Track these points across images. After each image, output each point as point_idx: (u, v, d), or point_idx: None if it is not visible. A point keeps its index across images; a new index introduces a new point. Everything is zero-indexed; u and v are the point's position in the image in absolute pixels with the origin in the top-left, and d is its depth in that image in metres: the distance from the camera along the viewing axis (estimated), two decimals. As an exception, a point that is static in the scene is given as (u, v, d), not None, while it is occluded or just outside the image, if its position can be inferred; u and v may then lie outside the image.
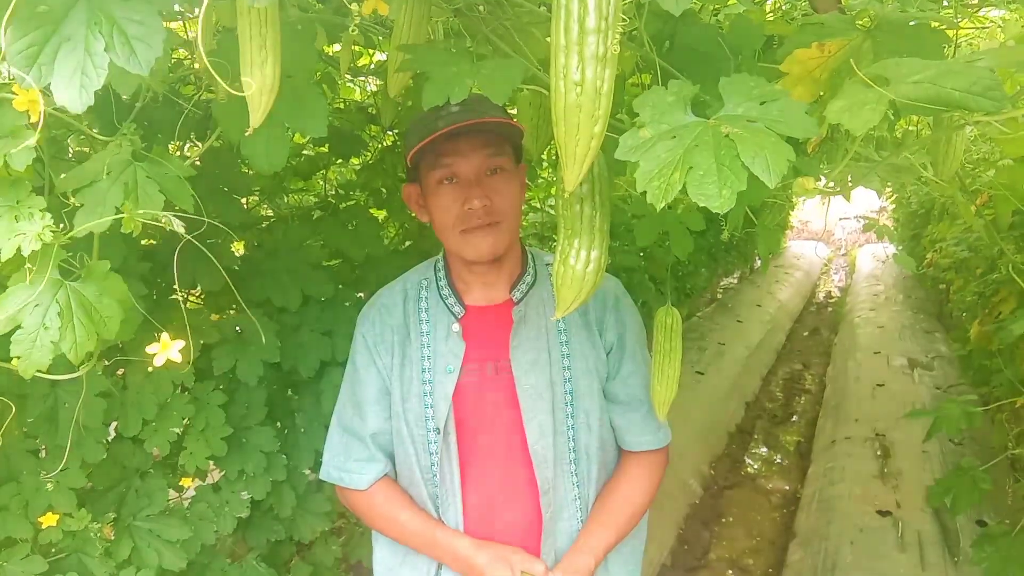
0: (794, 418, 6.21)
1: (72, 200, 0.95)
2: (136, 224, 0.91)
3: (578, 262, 0.92)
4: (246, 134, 0.80)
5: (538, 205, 4.21)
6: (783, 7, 1.94)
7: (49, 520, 1.52)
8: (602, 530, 1.45)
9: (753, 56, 1.06)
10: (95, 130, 1.45)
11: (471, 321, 1.45)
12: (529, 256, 1.51)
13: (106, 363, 1.63)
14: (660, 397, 1.26)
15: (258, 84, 0.76)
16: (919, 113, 0.70)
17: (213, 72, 0.71)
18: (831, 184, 0.93)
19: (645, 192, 0.71)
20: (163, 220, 0.92)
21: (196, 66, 1.47)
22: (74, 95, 0.71)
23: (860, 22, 1.00)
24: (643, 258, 4.46)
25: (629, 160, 0.75)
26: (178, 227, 0.94)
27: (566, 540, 1.46)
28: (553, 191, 4.31)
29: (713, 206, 0.67)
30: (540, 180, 3.82)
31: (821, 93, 1.00)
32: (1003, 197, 1.82)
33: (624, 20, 0.73)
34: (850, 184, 1.05)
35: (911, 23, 0.95)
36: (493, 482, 1.45)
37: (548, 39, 1.26)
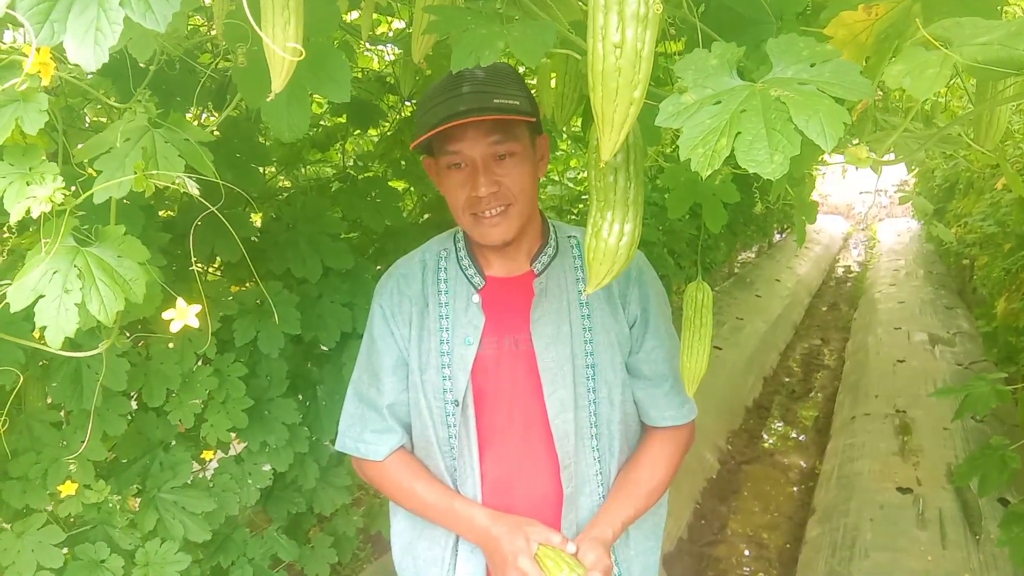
0: (812, 393, 6.18)
1: (90, 170, 0.92)
2: (148, 184, 0.88)
3: (611, 235, 0.89)
4: (267, 99, 0.77)
5: (556, 178, 4.16)
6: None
7: (68, 489, 1.51)
8: (622, 504, 1.43)
9: (795, 19, 1.01)
10: (112, 99, 1.42)
11: (491, 292, 1.43)
12: (551, 228, 1.48)
13: (127, 335, 1.62)
14: (690, 372, 1.23)
15: (280, 46, 0.72)
16: (987, 77, 0.66)
17: (256, 25, 0.67)
18: (887, 154, 0.88)
19: (689, 160, 0.67)
20: (177, 182, 0.89)
21: (213, 33, 1.44)
22: (88, 53, 0.67)
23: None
24: (662, 232, 4.41)
25: (670, 127, 0.71)
26: (192, 188, 0.91)
27: (587, 515, 1.44)
28: (572, 163, 4.26)
29: (765, 172, 0.63)
30: (559, 152, 3.76)
31: (867, 58, 0.95)
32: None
33: (668, -23, 0.68)
34: (894, 156, 1.00)
35: (966, -17, 0.90)
36: (512, 456, 1.43)
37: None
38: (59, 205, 0.80)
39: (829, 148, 0.61)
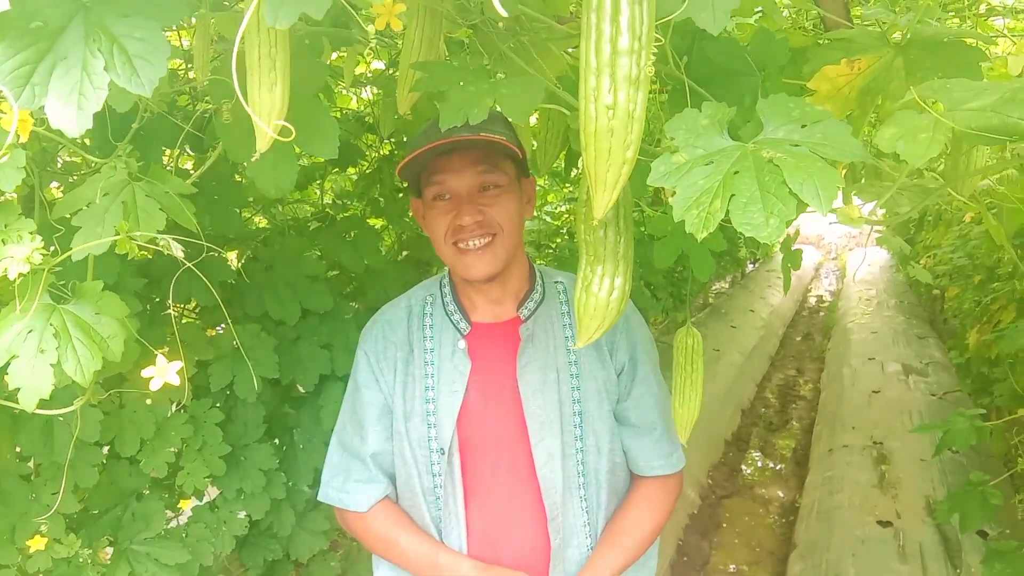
0: (790, 425, 6.19)
1: (70, 219, 0.90)
2: (132, 247, 0.86)
3: (601, 290, 0.88)
4: (253, 159, 0.76)
5: (535, 213, 4.17)
6: (792, 15, 1.90)
7: (37, 543, 1.46)
8: (610, 552, 1.40)
9: (778, 72, 1.02)
10: (88, 143, 1.40)
11: (477, 339, 1.41)
12: (537, 273, 1.47)
13: (99, 382, 1.58)
14: (683, 419, 1.22)
15: (267, 107, 0.71)
16: (980, 143, 0.67)
17: (239, 93, 0.66)
18: (874, 211, 0.89)
19: (683, 221, 0.66)
20: (162, 244, 0.87)
21: (192, 76, 1.42)
22: (70, 117, 0.66)
23: (892, 37, 0.96)
24: (639, 265, 4.43)
25: (662, 187, 0.70)
26: (177, 251, 0.89)
27: (575, 568, 1.41)
28: (550, 198, 4.28)
29: (761, 236, 0.62)
30: (537, 188, 3.78)
31: (851, 111, 0.96)
32: (1014, 210, 1.78)
33: (659, 39, 0.68)
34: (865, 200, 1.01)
35: (945, 39, 0.91)
36: (498, 506, 1.40)
37: (566, 52, 1.22)
38: (37, 265, 0.78)
39: (824, 211, 0.61)
